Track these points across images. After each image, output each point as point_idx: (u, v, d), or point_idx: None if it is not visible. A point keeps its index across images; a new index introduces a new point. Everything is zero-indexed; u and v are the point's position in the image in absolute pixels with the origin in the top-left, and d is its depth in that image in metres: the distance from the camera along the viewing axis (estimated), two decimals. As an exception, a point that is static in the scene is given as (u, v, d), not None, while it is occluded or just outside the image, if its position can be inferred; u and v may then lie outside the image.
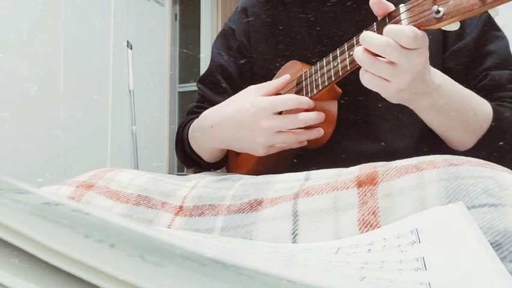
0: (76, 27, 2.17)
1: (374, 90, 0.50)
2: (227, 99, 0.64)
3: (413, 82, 0.48)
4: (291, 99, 0.58)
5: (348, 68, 0.54)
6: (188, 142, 0.72)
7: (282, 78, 0.62)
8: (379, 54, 0.48)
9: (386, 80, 0.48)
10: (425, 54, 0.48)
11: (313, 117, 0.59)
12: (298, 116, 0.58)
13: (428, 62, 0.49)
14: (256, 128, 0.58)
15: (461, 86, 0.55)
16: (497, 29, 0.66)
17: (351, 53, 0.53)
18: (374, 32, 0.50)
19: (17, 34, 1.87)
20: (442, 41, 0.66)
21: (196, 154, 0.72)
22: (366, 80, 0.50)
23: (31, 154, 1.85)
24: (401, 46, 0.46)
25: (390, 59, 0.47)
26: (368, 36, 0.48)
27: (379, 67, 0.48)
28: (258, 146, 0.59)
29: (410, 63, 0.47)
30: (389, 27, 0.47)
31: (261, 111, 0.57)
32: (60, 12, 2.09)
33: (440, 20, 0.45)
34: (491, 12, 0.43)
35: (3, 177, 0.22)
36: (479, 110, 0.56)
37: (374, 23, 0.51)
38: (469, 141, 0.57)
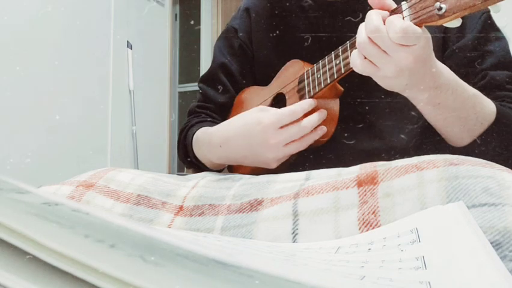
0: (76, 27, 2.17)
1: (360, 72, 0.51)
2: (232, 118, 0.64)
3: (399, 74, 0.49)
4: (295, 112, 0.58)
5: (350, 65, 0.54)
6: (192, 150, 0.72)
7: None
8: (371, 37, 0.49)
9: (375, 65, 0.50)
10: (417, 52, 0.48)
11: (316, 119, 0.59)
12: (302, 123, 0.58)
13: (425, 60, 0.49)
14: (265, 145, 0.58)
15: (466, 85, 0.55)
16: (497, 29, 0.66)
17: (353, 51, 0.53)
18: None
19: (17, 34, 1.87)
20: (442, 41, 0.66)
21: (200, 161, 0.72)
22: (355, 59, 0.51)
23: (31, 154, 1.85)
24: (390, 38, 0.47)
25: (381, 46, 0.48)
26: (369, 16, 0.50)
27: (371, 50, 0.49)
28: (269, 161, 0.60)
29: (397, 56, 0.48)
30: (389, 18, 0.48)
31: (267, 128, 0.58)
32: (61, 12, 2.09)
33: (442, 16, 0.45)
34: (492, 8, 0.43)
35: (3, 177, 0.22)
36: (482, 109, 0.56)
37: None
38: (466, 138, 0.58)
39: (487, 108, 0.57)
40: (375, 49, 0.49)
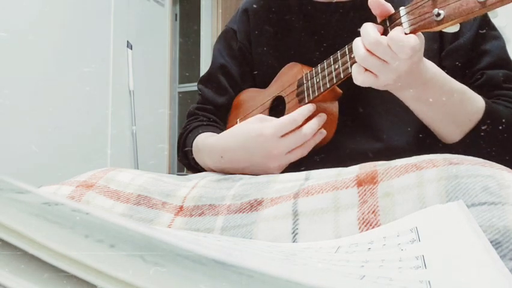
0: (76, 27, 2.17)
1: (362, 85, 0.52)
2: (232, 128, 0.64)
3: (398, 78, 0.50)
4: (296, 120, 0.58)
5: (350, 70, 0.54)
6: (192, 155, 0.72)
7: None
8: (371, 51, 0.49)
9: (374, 75, 0.51)
10: (414, 58, 0.49)
11: (316, 125, 0.60)
12: (302, 131, 0.58)
13: (418, 61, 0.50)
14: (267, 156, 0.58)
15: (453, 81, 0.56)
16: (493, 28, 0.66)
17: (352, 56, 0.53)
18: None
19: (17, 34, 1.87)
20: (439, 41, 0.66)
21: (201, 167, 0.72)
22: (356, 74, 0.52)
23: (31, 154, 1.85)
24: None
25: (382, 58, 0.49)
26: (365, 31, 0.50)
27: (372, 62, 0.50)
28: (272, 170, 0.60)
29: (399, 64, 0.48)
30: (392, 34, 0.48)
31: (269, 139, 0.58)
32: (61, 12, 2.09)
33: (440, 22, 0.45)
34: (490, 13, 0.44)
35: (3, 177, 0.22)
36: (470, 104, 0.57)
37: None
38: (456, 134, 0.58)
39: (476, 104, 0.57)
40: (375, 60, 0.49)
